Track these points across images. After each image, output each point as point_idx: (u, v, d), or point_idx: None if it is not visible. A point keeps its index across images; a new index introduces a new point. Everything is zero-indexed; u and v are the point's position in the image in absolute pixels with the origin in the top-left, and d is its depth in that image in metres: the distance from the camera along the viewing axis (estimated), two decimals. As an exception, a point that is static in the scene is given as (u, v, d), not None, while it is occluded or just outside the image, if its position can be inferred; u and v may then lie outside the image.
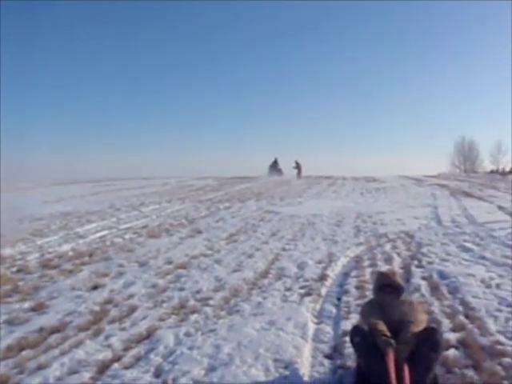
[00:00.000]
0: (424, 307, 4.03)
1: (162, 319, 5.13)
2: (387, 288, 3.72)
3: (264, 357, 3.97)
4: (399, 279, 3.84)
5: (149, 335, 4.66)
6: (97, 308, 5.52)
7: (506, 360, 3.79)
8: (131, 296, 6.00)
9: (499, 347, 4.03)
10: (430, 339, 3.29)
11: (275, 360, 3.91)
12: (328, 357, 4.03)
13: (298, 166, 37.16)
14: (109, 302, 5.77)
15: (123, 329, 4.87)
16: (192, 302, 5.69)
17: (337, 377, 3.65)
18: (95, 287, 6.41)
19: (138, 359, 4.10)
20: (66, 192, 22.55)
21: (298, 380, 3.59)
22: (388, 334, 3.29)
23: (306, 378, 3.64)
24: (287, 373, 3.70)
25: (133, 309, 5.50)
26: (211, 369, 3.82)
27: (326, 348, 4.21)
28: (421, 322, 3.48)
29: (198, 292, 6.10)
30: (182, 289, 6.29)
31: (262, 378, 3.61)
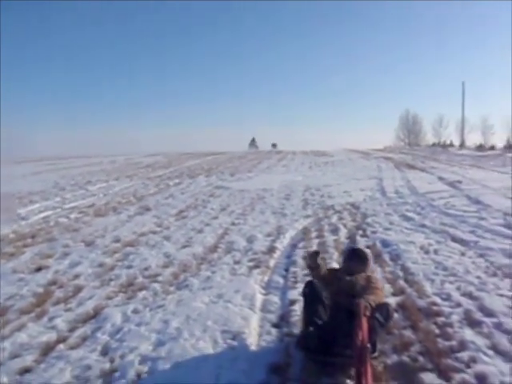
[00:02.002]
0: (380, 282, 4.19)
1: (109, 298, 5.04)
2: (355, 258, 3.98)
3: (212, 329, 4.00)
4: (367, 252, 4.18)
5: (96, 314, 4.57)
6: (40, 290, 5.33)
7: (441, 319, 4.03)
8: (77, 276, 5.84)
9: (435, 308, 4.28)
10: (382, 313, 3.43)
11: (223, 331, 3.95)
12: (275, 326, 4.12)
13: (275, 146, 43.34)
14: (53, 283, 5.59)
15: (68, 309, 4.74)
16: (140, 279, 5.62)
17: (284, 344, 3.74)
18: (39, 269, 6.18)
19: (84, 339, 4.01)
20: (4, 171, 21.39)
21: (245, 350, 3.65)
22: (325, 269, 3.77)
23: (253, 348, 3.71)
24: (235, 343, 3.75)
25: (79, 289, 5.36)
26: (159, 344, 3.80)
27: (273, 318, 4.30)
28: (381, 297, 3.66)
29: (146, 269, 6.03)
30: (130, 266, 6.19)
31: (210, 350, 3.64)
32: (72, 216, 10.27)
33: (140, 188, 15.40)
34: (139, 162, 30.03)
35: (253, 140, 45.43)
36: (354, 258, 3.99)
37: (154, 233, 8.30)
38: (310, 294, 3.62)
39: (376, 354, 3.40)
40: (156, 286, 5.33)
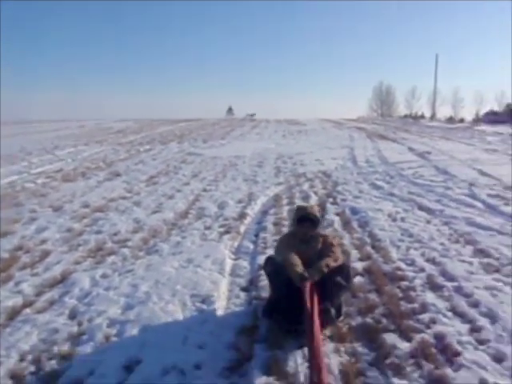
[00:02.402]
0: (339, 244, 4.22)
1: (77, 262, 4.98)
2: (305, 221, 3.74)
3: (181, 293, 4.02)
4: (317, 212, 3.89)
5: (63, 279, 4.52)
6: (6, 255, 5.21)
7: (404, 283, 4.16)
8: (44, 241, 5.74)
9: (399, 273, 4.41)
10: (341, 275, 3.45)
11: (192, 295, 3.97)
12: (244, 289, 4.17)
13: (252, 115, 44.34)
14: (19, 248, 5.47)
15: (35, 274, 4.67)
16: (109, 245, 5.56)
17: (252, 307, 3.80)
18: (4, 234, 6.03)
19: (51, 303, 3.97)
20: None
21: (214, 313, 3.69)
22: (301, 267, 3.40)
23: (222, 311, 3.76)
24: (204, 307, 3.78)
25: (46, 254, 5.27)
26: (128, 307, 3.80)
27: (242, 282, 4.35)
28: (337, 258, 3.60)
29: (115, 234, 5.97)
30: (99, 232, 6.12)
31: (179, 313, 3.66)
32: (39, 181, 10.02)
33: (110, 153, 15.10)
34: (109, 127, 29.36)
35: (230, 109, 44.96)
36: (303, 222, 3.75)
37: (124, 198, 8.19)
38: (271, 271, 3.56)
39: (341, 318, 3.50)
40: (125, 250, 5.29)
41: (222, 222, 6.46)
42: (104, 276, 4.55)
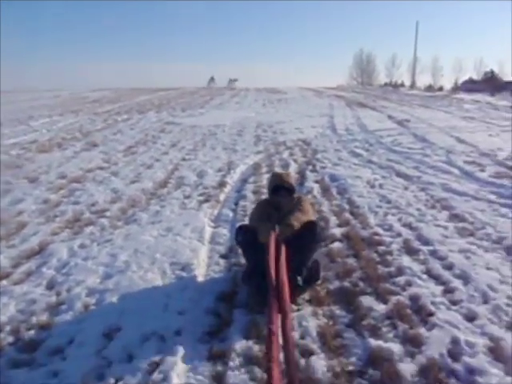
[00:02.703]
0: (312, 204, 4.23)
1: (54, 233, 4.92)
2: (280, 189, 3.76)
3: (161, 261, 4.02)
4: (292, 180, 3.90)
5: (40, 250, 4.46)
6: (-20, 228, 5.11)
7: (382, 248, 4.23)
8: (20, 213, 5.63)
9: (377, 238, 4.48)
10: (310, 231, 3.45)
11: (172, 263, 3.97)
12: (224, 257, 4.19)
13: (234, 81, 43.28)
14: (-6, 220, 5.37)
15: (11, 246, 4.60)
16: (87, 215, 5.50)
17: (231, 273, 3.83)
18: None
19: (28, 274, 3.92)
20: None
21: (194, 280, 3.70)
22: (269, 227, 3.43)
23: (201, 278, 3.77)
24: (184, 274, 3.79)
25: (22, 225, 5.18)
26: (107, 276, 3.79)
27: (222, 249, 4.36)
28: (307, 212, 3.62)
29: (93, 205, 5.89)
30: (76, 202, 6.03)
31: (159, 281, 3.67)
32: (13, 152, 9.75)
33: (86, 123, 14.76)
34: (85, 96, 28.62)
35: (212, 78, 44.02)
36: (279, 190, 3.76)
37: (102, 169, 8.06)
38: (243, 240, 3.55)
39: (319, 282, 3.56)
40: (103, 221, 5.24)
41: (202, 190, 6.43)
42: (82, 246, 4.51)
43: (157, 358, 2.68)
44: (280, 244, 3.29)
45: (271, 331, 2.33)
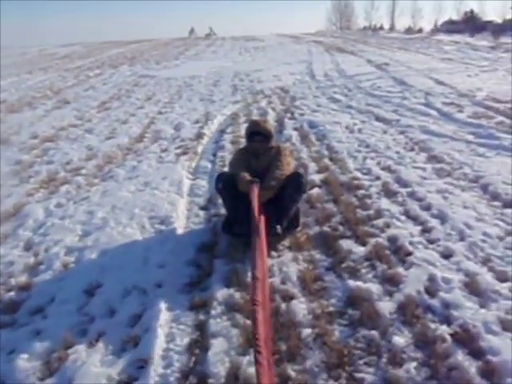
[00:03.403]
0: (291, 153, 4.17)
1: (29, 194, 4.81)
2: (257, 135, 3.69)
3: (139, 216, 3.97)
4: (269, 126, 3.82)
5: (16, 212, 4.36)
6: (-51, 193, 4.95)
7: (361, 192, 4.24)
8: (-8, 175, 5.46)
9: (356, 182, 4.48)
10: (294, 183, 3.41)
11: (151, 217, 3.93)
12: (203, 208, 4.16)
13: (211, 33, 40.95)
14: (-36, 184, 5.20)
15: (-15, 209, 4.48)
16: (62, 174, 5.37)
17: (211, 224, 3.81)
18: None
19: (5, 237, 3.84)
20: None
21: (173, 232, 3.68)
22: (249, 176, 3.41)
23: (181, 230, 3.75)
24: (163, 227, 3.76)
25: (-5, 188, 5.04)
26: (85, 234, 3.74)
27: (200, 201, 4.32)
28: (288, 166, 3.57)
29: (68, 163, 5.75)
30: (50, 162, 5.88)
31: (138, 236, 3.64)
32: (-20, 114, 9.37)
33: (57, 81, 14.22)
34: (54, 52, 27.37)
35: (192, 30, 42.31)
36: (255, 137, 3.70)
37: (75, 126, 7.84)
38: (223, 187, 3.48)
39: (299, 228, 3.56)
40: (79, 179, 5.13)
41: (179, 143, 6.31)
42: (58, 205, 4.43)
43: (138, 311, 2.69)
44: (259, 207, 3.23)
45: (255, 276, 2.36)
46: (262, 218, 3.03)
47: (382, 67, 13.24)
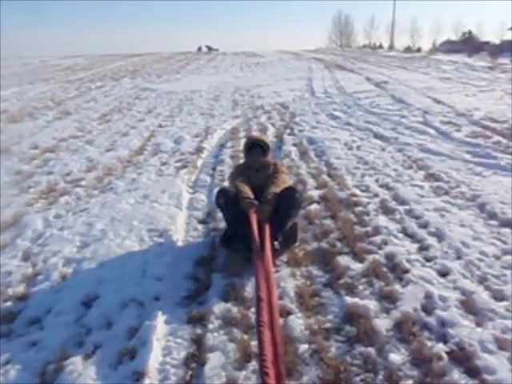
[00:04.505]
0: (287, 170, 4.23)
1: (29, 204, 4.82)
2: (254, 148, 3.77)
3: (138, 228, 3.98)
4: (265, 138, 3.95)
5: (14, 222, 4.36)
6: None
7: (359, 209, 4.27)
8: (-8, 185, 5.48)
9: (354, 199, 4.51)
10: (289, 197, 3.44)
11: (149, 230, 3.94)
12: (202, 222, 4.18)
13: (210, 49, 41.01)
14: (-37, 193, 5.21)
15: (-16, 219, 4.49)
16: (62, 185, 5.40)
17: (210, 239, 3.82)
18: None
19: (3, 247, 3.83)
20: None
21: (172, 245, 3.69)
22: (251, 196, 3.44)
23: (180, 243, 3.77)
24: (162, 240, 3.77)
25: (-5, 197, 5.05)
26: (83, 246, 3.74)
27: (199, 215, 4.34)
28: (283, 183, 3.60)
29: (68, 174, 5.78)
30: (50, 172, 5.90)
31: (137, 248, 3.65)
32: (-18, 123, 9.42)
33: (58, 92, 14.32)
34: (56, 64, 27.58)
35: (199, 48, 42.55)
36: (253, 150, 3.78)
37: (76, 138, 7.89)
38: (225, 203, 3.49)
39: (297, 244, 3.58)
40: (79, 190, 5.15)
41: (179, 156, 6.35)
42: (57, 216, 4.44)
43: (136, 324, 2.69)
44: (263, 221, 3.29)
45: (259, 297, 2.34)
46: (268, 238, 3.05)
47: (381, 85, 13.39)
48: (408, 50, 46.49)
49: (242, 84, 14.83)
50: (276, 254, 3.34)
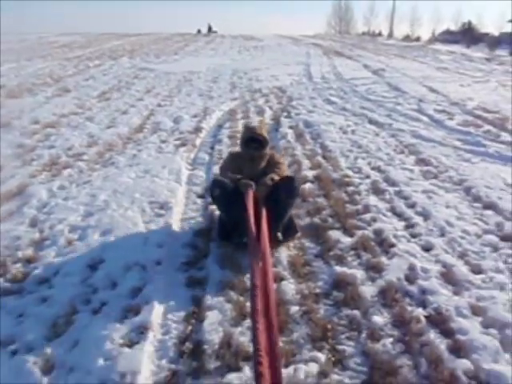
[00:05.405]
0: (283, 158, 4.15)
1: (33, 176, 4.97)
2: (252, 142, 3.64)
3: (140, 200, 4.16)
4: (265, 133, 3.75)
5: (20, 192, 4.53)
6: (-47, 170, 5.10)
7: (351, 188, 4.48)
8: (-6, 157, 5.61)
9: (346, 179, 4.71)
10: (287, 186, 3.39)
11: (151, 202, 4.12)
12: (200, 196, 4.37)
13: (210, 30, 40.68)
14: (-34, 163, 5.35)
15: (-12, 188, 4.64)
16: (64, 159, 5.54)
17: (208, 212, 4.01)
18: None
19: (10, 214, 4.01)
20: None
21: (172, 217, 3.87)
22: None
23: (179, 215, 3.96)
24: (162, 212, 3.95)
25: (-2, 169, 5.20)
26: (88, 215, 3.92)
27: (198, 189, 4.53)
28: (282, 172, 3.59)
29: (69, 149, 5.92)
30: (52, 147, 6.04)
31: (139, 218, 3.82)
32: (-21, 97, 9.46)
33: (57, 69, 14.26)
34: (54, 41, 27.30)
35: (198, 31, 42.07)
36: (251, 144, 3.65)
37: (76, 114, 7.99)
38: (220, 194, 3.39)
39: (299, 235, 3.55)
40: (81, 164, 5.31)
41: (178, 135, 6.51)
42: (61, 188, 4.60)
43: (139, 285, 2.89)
44: (260, 204, 3.27)
45: (254, 285, 2.29)
46: (265, 222, 3.02)
47: (378, 73, 13.50)
48: (407, 38, 46.38)
49: (240, 67, 14.88)
50: (277, 244, 3.38)
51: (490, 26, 59.09)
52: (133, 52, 20.19)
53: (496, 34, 43.23)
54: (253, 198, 3.28)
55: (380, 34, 54.77)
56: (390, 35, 50.90)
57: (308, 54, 20.29)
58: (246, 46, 25.10)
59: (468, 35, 40.03)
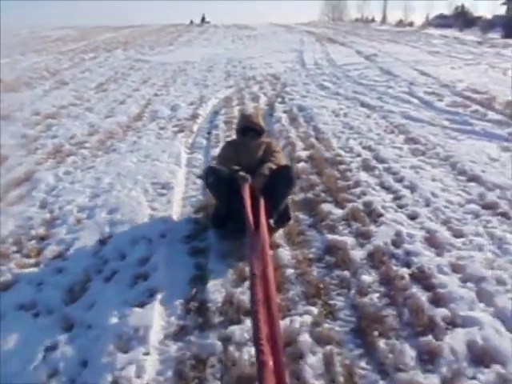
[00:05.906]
0: (279, 147, 4.08)
1: (38, 163, 5.19)
2: (249, 131, 3.63)
3: (142, 182, 4.40)
4: (261, 121, 3.75)
5: (27, 178, 4.75)
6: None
7: (342, 166, 4.72)
8: (-1, 147, 5.82)
9: (338, 158, 4.95)
10: (284, 176, 3.38)
11: (153, 183, 4.36)
12: (200, 177, 4.58)
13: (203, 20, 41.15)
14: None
15: (-2, 176, 4.86)
16: (67, 147, 5.76)
17: (207, 192, 4.19)
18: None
19: (21, 198, 4.25)
20: None
21: (174, 196, 4.10)
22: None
23: (181, 194, 4.19)
24: (164, 191, 4.19)
25: (4, 158, 5.40)
26: (94, 196, 4.16)
27: (197, 171, 4.76)
28: (279, 160, 3.59)
29: (72, 138, 6.13)
30: (54, 136, 6.25)
31: (142, 198, 4.06)
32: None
33: (52, 63, 14.39)
34: (46, 35, 27.30)
35: (191, 22, 41.92)
36: (247, 133, 3.64)
37: (75, 105, 8.19)
38: (213, 181, 3.36)
39: (292, 222, 3.59)
40: (84, 151, 5.53)
41: (176, 122, 6.73)
42: (67, 173, 4.83)
43: (146, 255, 3.14)
44: (257, 194, 3.28)
45: (254, 274, 2.30)
46: (263, 212, 3.05)
47: (370, 58, 13.69)
48: (400, 23, 46.40)
49: (235, 56, 15.05)
50: (271, 231, 3.38)
51: (484, 9, 58.94)
52: (127, 44, 20.29)
53: (489, 16, 43.26)
54: (249, 189, 3.26)
55: (373, 20, 54.72)
56: (383, 21, 50.91)
57: (301, 41, 20.43)
58: (239, 35, 25.20)
59: (461, 19, 40.06)
